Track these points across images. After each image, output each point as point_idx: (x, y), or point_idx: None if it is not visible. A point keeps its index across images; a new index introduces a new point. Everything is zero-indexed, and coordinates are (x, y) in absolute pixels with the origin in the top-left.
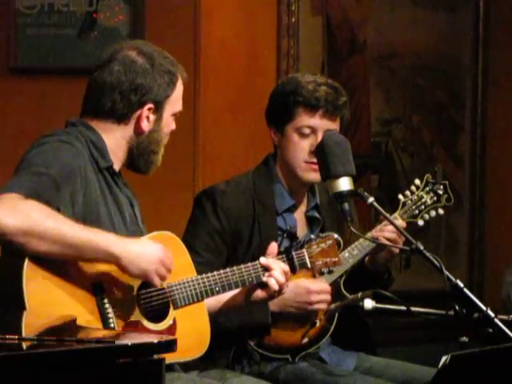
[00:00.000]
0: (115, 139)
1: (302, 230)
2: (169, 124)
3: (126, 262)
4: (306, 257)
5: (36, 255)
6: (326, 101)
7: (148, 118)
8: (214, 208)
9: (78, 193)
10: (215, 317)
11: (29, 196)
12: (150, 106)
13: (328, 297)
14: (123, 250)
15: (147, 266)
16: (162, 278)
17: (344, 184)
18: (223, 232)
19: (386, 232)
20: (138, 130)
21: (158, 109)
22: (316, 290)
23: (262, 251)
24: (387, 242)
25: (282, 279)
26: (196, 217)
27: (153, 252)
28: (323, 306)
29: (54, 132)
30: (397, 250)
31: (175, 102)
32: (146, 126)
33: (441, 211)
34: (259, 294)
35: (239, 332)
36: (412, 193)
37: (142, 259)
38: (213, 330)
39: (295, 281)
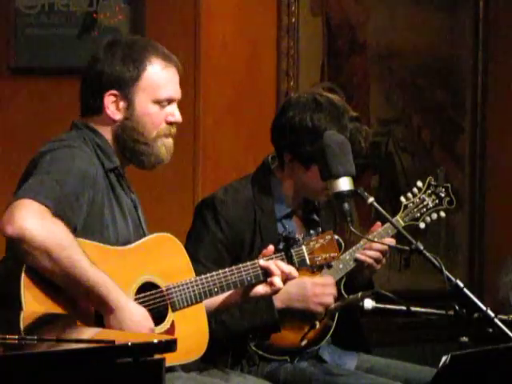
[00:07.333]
0: (104, 135)
1: (300, 234)
2: (150, 112)
3: (116, 316)
4: (305, 253)
5: (38, 270)
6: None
7: (117, 105)
8: (215, 218)
9: (90, 198)
10: (213, 316)
11: (55, 211)
12: (113, 92)
13: (334, 290)
14: (118, 304)
15: (131, 329)
16: None
17: (344, 184)
18: (226, 241)
19: (368, 251)
20: (109, 120)
21: (126, 95)
22: (321, 282)
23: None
24: (380, 249)
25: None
26: (198, 227)
27: (141, 320)
28: (330, 299)
29: (61, 136)
30: (378, 266)
31: (151, 88)
32: (113, 113)
33: (442, 214)
34: (259, 290)
35: (248, 333)
36: (414, 195)
37: (130, 322)
38: (220, 332)
39: (299, 277)
